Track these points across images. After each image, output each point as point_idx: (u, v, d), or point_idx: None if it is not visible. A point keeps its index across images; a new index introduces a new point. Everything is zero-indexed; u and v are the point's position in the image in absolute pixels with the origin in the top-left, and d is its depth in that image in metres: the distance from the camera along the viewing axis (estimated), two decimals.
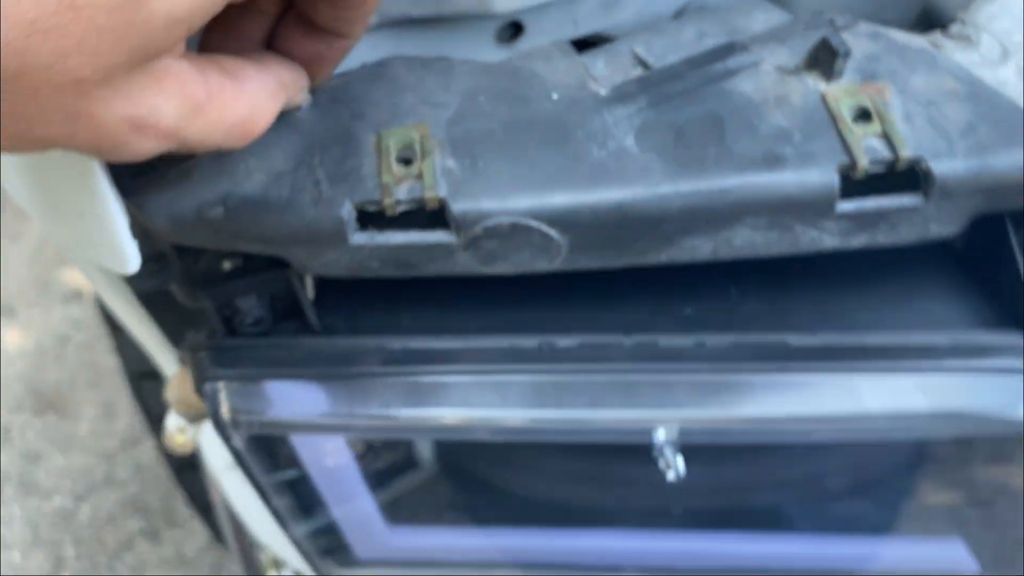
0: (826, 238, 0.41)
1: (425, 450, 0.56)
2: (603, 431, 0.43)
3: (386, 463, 0.55)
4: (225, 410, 0.44)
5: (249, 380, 0.44)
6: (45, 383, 2.07)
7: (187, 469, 1.33)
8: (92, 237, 0.39)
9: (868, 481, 0.53)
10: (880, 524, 0.55)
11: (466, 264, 0.42)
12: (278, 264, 0.44)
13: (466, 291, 0.48)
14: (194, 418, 0.65)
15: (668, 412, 0.42)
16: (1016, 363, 0.41)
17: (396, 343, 0.45)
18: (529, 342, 0.44)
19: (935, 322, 0.43)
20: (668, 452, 0.42)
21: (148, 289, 0.44)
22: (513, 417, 0.43)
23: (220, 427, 0.45)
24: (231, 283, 0.45)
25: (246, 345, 0.46)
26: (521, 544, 0.57)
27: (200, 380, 0.44)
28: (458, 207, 0.39)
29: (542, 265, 0.42)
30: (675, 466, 0.42)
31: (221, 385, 0.44)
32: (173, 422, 0.66)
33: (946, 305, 0.45)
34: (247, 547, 0.89)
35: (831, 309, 0.45)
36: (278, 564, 0.83)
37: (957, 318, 0.44)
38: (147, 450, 1.99)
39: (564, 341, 0.44)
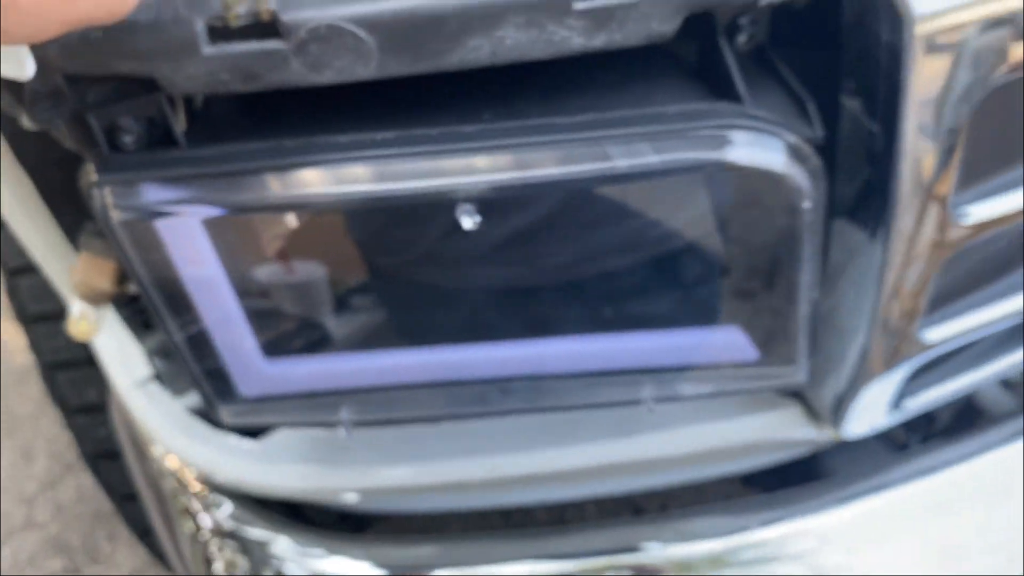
0: (575, 37, 0.54)
1: (307, 285, 0.66)
2: (418, 197, 0.55)
3: (260, 292, 0.65)
4: (109, 206, 0.55)
5: (127, 183, 0.55)
6: None
7: (103, 459, 1.38)
8: None
9: (644, 272, 0.65)
10: (660, 318, 0.66)
11: (299, 72, 0.53)
12: (151, 88, 0.55)
13: (309, 115, 0.60)
14: (96, 301, 0.73)
15: (468, 178, 0.54)
16: (724, 121, 0.54)
17: (249, 146, 0.56)
18: (360, 136, 0.56)
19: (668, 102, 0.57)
20: (468, 208, 0.54)
21: (46, 120, 0.55)
22: (350, 191, 0.55)
23: (106, 223, 0.55)
24: (113, 106, 0.56)
25: (125, 156, 0.56)
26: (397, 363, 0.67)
27: (88, 186, 0.55)
28: (286, 16, 0.51)
29: (360, 70, 0.54)
30: (474, 217, 0.54)
31: (107, 189, 0.55)
32: (77, 308, 0.74)
33: (680, 96, 0.58)
34: (152, 470, 0.94)
35: (590, 105, 0.58)
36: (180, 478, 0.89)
37: (687, 99, 0.58)
38: (67, 490, 2.00)
39: (384, 134, 0.56)
